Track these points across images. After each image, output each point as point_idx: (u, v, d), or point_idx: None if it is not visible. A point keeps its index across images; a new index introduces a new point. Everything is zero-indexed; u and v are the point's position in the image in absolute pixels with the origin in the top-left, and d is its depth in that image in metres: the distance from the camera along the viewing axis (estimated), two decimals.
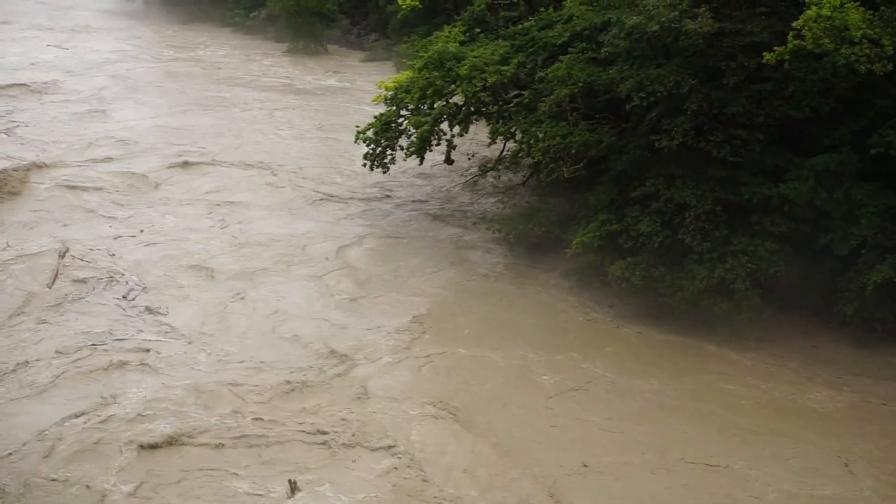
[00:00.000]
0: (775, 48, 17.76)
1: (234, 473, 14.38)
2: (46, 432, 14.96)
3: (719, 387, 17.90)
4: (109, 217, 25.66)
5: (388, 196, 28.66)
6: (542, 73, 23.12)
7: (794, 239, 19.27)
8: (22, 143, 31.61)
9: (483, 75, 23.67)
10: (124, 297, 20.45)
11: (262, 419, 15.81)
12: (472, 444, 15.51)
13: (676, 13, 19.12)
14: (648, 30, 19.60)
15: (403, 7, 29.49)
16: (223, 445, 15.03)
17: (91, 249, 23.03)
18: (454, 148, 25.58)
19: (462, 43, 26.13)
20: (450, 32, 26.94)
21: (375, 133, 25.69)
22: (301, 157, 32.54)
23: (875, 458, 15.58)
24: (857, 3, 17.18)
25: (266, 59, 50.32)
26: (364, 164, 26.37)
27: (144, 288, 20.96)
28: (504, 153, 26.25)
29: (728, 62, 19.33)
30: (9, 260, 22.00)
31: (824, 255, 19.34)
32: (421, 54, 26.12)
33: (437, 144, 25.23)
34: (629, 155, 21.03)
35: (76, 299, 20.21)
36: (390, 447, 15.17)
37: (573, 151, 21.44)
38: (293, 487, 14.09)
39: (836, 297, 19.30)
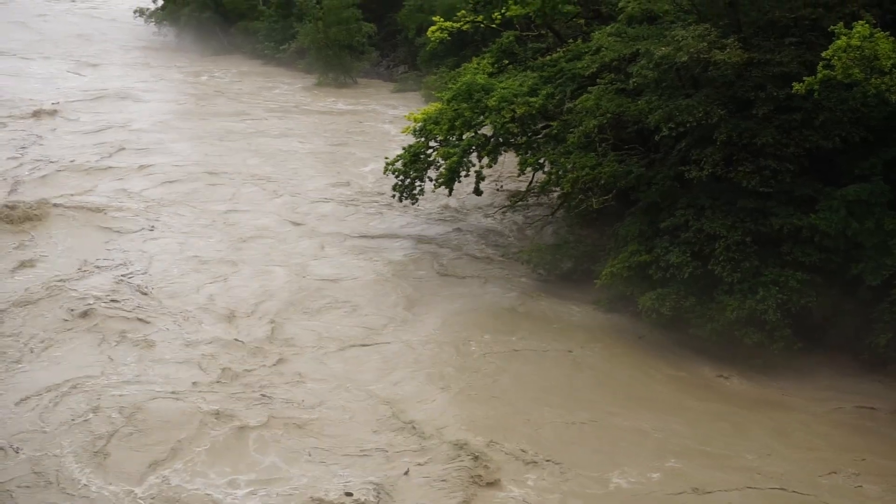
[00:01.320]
0: (805, 78, 17.73)
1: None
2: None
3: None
4: (124, 224, 27.33)
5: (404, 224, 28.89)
6: (570, 105, 23.23)
7: (825, 269, 19.13)
8: (45, 164, 32.52)
9: (512, 107, 23.82)
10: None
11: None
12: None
13: (705, 44, 19.16)
14: (677, 60, 19.63)
15: (432, 39, 29.75)
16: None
17: (108, 249, 25.25)
18: (483, 179, 25.65)
19: (490, 74, 26.31)
20: (478, 64, 27.15)
21: (404, 164, 25.84)
22: (318, 179, 33.20)
23: None
24: (888, 33, 17.15)
25: (295, 90, 50.76)
26: (393, 196, 26.50)
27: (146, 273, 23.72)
28: (533, 184, 26.30)
29: (757, 92, 19.37)
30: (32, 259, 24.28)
31: (856, 285, 19.18)
32: (450, 86, 26.30)
33: (466, 175, 25.33)
34: (658, 185, 21.03)
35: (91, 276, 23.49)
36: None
37: (602, 182, 21.51)
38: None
39: (868, 329, 19.10)
